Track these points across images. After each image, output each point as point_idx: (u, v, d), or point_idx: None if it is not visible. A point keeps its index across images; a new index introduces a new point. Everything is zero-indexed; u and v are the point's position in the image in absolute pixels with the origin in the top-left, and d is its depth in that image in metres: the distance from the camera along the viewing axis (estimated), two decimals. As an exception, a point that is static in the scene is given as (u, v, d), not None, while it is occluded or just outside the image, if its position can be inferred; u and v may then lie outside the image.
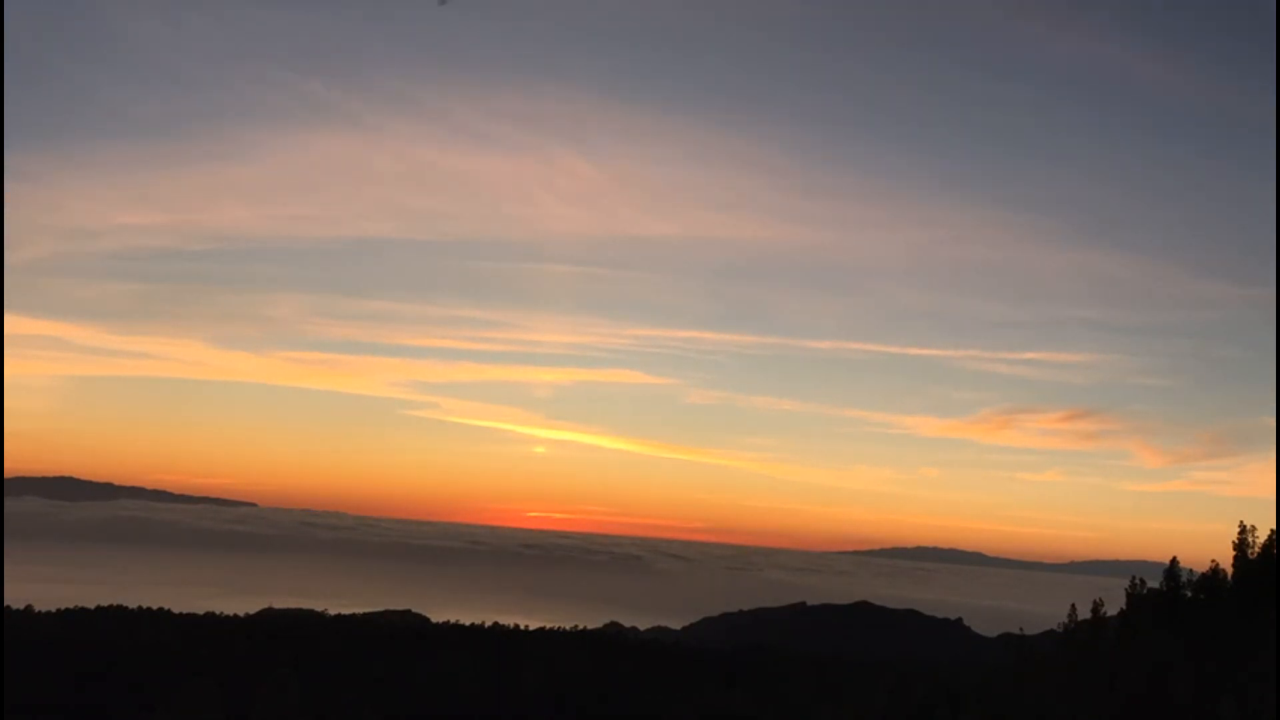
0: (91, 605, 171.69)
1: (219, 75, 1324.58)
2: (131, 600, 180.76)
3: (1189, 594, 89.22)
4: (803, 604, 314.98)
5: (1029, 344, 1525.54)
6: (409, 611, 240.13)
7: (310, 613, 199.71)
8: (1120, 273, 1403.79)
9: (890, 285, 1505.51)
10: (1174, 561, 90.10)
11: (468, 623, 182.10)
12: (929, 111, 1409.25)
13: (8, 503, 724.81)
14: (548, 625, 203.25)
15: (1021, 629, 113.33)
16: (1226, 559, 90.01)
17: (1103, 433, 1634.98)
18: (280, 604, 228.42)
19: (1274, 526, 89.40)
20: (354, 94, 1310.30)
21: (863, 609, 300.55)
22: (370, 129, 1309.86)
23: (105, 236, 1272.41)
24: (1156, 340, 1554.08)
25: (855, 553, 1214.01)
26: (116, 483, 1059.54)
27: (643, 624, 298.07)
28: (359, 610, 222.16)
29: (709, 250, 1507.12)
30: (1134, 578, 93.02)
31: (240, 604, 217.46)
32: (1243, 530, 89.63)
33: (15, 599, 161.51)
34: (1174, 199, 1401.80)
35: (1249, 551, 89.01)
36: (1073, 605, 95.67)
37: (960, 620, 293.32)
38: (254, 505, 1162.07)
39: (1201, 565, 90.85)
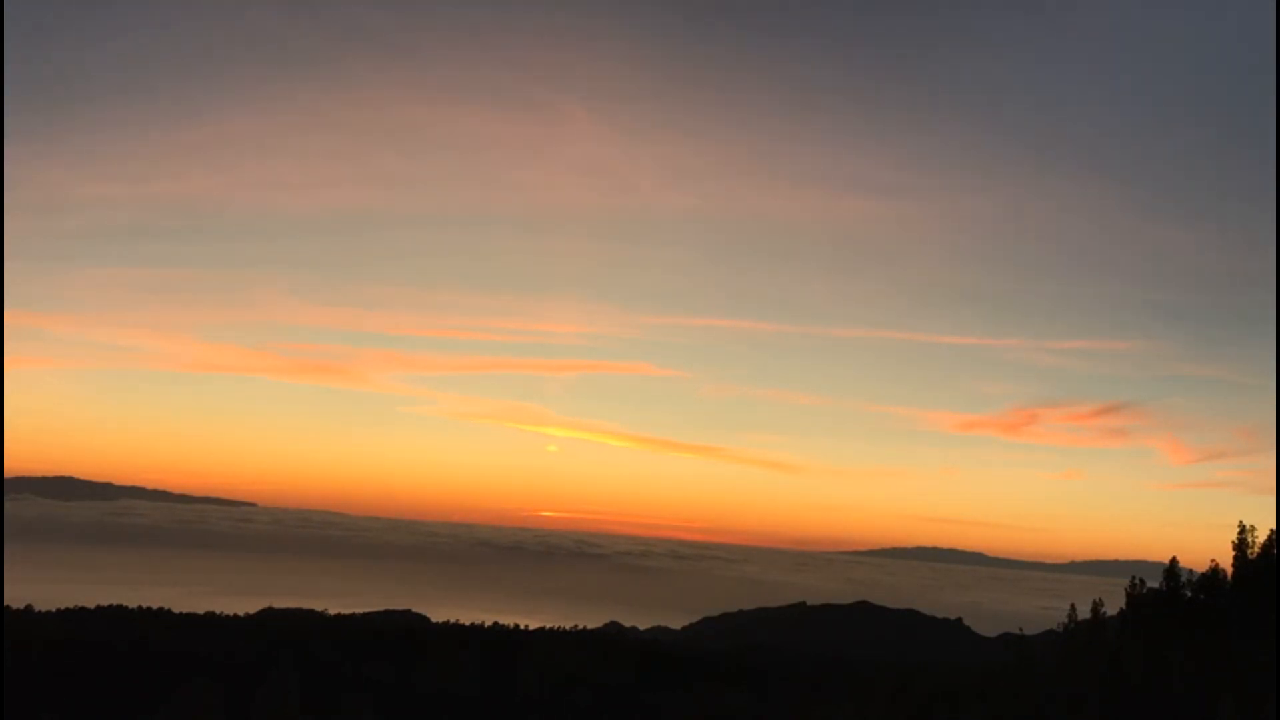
0: (91, 605, 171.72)
1: (167, 17, 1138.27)
2: (131, 600, 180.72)
3: (1189, 594, 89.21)
4: (803, 604, 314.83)
5: (1076, 331, 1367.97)
6: (409, 611, 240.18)
7: (310, 613, 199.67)
8: (1193, 246, 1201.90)
9: (929, 264, 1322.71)
10: (1174, 561, 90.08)
11: (468, 623, 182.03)
12: (971, 69, 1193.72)
13: (8, 503, 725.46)
14: (548, 625, 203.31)
15: (1021, 629, 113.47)
16: (1227, 559, 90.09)
17: (1131, 428, 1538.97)
18: (280, 604, 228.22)
19: (1274, 526, 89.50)
20: (327, 36, 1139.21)
21: (863, 609, 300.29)
22: (352, 80, 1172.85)
23: (67, 213, 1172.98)
24: (1217, 325, 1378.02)
25: (856, 553, 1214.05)
26: (116, 483, 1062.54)
27: (643, 624, 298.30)
28: (359, 610, 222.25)
29: (731, 226, 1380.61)
30: (1134, 578, 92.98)
31: (240, 604, 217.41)
32: (1242, 530, 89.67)
33: (15, 599, 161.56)
34: (1264, 166, 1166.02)
35: (1249, 551, 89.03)
36: (1072, 605, 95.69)
37: (960, 620, 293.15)
38: (254, 505, 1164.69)
39: (1204, 566, 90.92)
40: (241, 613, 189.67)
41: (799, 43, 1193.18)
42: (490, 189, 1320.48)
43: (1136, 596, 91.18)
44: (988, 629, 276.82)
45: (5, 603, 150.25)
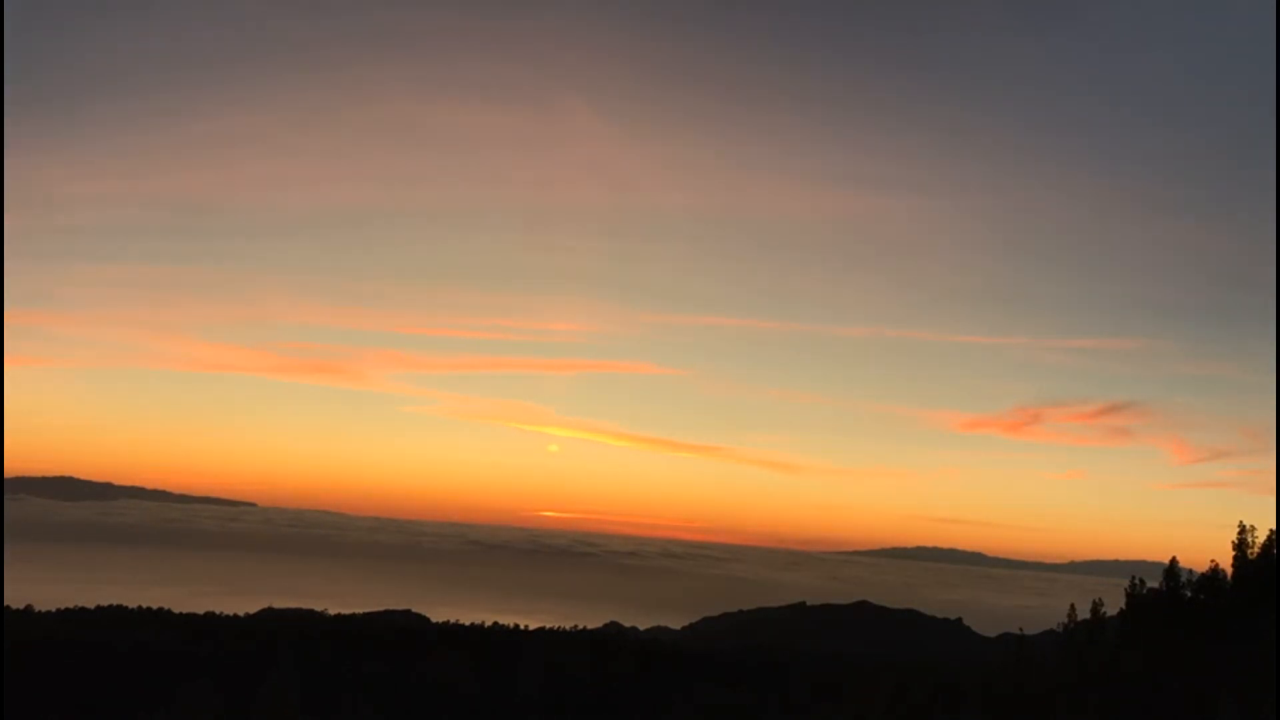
0: (91, 605, 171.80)
1: (166, 15, 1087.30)
2: (131, 600, 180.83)
3: (1189, 594, 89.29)
4: (803, 604, 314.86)
5: (1080, 330, 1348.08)
6: (409, 611, 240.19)
7: (310, 613, 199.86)
8: (1196, 245, 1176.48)
9: (932, 262, 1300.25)
10: (1174, 561, 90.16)
11: (468, 623, 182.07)
12: (973, 66, 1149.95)
13: (7, 503, 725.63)
14: (548, 625, 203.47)
15: (1021, 629, 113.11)
16: (1227, 559, 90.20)
17: (1135, 428, 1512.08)
18: (280, 604, 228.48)
19: (1274, 526, 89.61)
20: (328, 33, 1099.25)
21: (863, 609, 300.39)
22: (352, 77, 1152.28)
23: (66, 211, 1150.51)
24: (1221, 324, 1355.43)
25: (855, 552, 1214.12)
26: (116, 483, 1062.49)
27: (643, 624, 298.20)
28: (359, 610, 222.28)
29: (732, 223, 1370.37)
30: (1134, 578, 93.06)
31: (240, 604, 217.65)
32: (1242, 530, 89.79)
33: (15, 599, 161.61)
34: (1265, 165, 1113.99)
35: (1249, 552, 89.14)
36: (1072, 605, 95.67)
37: (960, 620, 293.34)
38: (254, 505, 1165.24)
39: (1204, 566, 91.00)
40: (241, 613, 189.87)
41: (801, 39, 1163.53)
42: (491, 186, 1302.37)
43: (1136, 596, 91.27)
44: (988, 629, 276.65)
45: (5, 603, 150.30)
